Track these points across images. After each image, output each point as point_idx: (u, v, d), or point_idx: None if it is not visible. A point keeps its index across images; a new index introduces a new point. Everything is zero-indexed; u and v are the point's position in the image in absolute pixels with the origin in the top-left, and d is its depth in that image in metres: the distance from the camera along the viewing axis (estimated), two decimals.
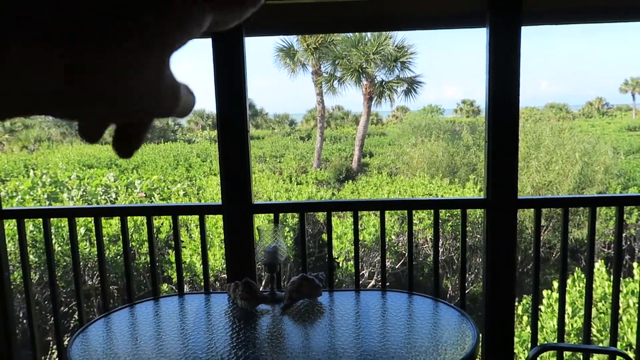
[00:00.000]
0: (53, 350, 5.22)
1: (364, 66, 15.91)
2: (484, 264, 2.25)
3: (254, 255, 2.24)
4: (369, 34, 15.69)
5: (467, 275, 7.03)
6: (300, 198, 7.90)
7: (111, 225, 5.45)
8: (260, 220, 4.49)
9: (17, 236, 2.33)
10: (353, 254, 6.26)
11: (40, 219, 2.34)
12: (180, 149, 15.31)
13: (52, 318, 3.83)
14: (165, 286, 5.59)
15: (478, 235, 7.04)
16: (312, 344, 1.72)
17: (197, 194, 8.41)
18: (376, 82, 16.47)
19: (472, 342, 1.64)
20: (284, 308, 1.88)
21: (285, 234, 5.70)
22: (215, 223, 5.93)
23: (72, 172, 9.34)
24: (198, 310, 2.08)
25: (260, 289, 2.03)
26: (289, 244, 6.04)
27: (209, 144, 18.16)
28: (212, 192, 8.23)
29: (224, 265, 5.26)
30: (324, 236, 6.53)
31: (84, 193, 7.35)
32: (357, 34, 15.43)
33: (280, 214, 2.23)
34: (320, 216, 6.80)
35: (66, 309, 5.39)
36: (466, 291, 3.36)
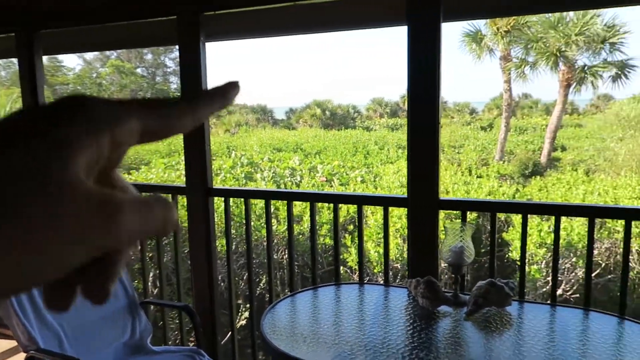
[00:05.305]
0: (242, 312, 5.86)
1: (563, 49, 14.22)
2: None
3: (437, 254, 2.16)
4: (571, 13, 13.95)
5: None
6: (480, 193, 7.47)
7: (295, 206, 5.87)
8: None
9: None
10: (538, 258, 5.66)
11: (242, 199, 2.59)
12: (359, 136, 15.75)
13: (246, 285, 4.30)
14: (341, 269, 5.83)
15: None
16: (496, 357, 1.59)
17: (374, 181, 8.55)
18: (577, 66, 14.59)
19: None
20: (469, 313, 1.76)
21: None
22: (391, 212, 5.94)
23: (264, 155, 10.32)
24: (377, 301, 2.08)
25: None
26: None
27: (387, 132, 18.33)
28: (389, 181, 8.28)
29: (397, 256, 5.27)
30: (505, 235, 6.07)
31: (274, 174, 8.06)
32: (556, 13, 13.85)
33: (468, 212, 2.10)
34: (501, 214, 6.32)
35: (255, 278, 6.00)
36: None
